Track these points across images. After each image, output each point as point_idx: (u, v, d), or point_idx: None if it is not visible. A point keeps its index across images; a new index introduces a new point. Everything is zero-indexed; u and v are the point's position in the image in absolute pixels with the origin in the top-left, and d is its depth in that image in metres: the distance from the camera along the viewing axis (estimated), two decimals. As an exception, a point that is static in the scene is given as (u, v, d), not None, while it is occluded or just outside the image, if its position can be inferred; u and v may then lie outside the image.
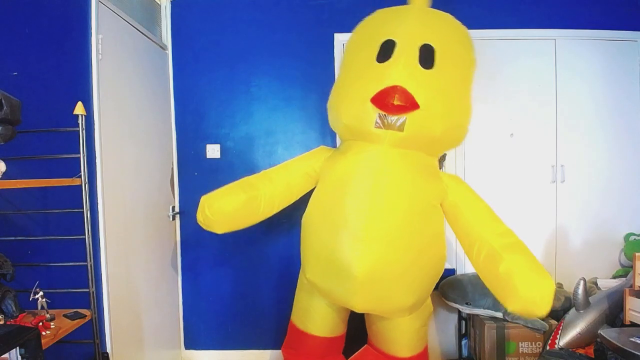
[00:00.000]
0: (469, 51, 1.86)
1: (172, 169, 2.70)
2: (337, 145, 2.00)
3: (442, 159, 2.56)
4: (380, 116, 1.65)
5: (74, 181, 1.54)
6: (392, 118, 1.64)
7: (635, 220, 2.62)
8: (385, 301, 1.81)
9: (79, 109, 1.53)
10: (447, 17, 1.86)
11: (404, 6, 1.87)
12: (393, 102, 1.60)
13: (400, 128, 1.65)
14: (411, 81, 1.63)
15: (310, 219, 1.92)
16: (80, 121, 1.53)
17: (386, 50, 1.70)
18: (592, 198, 2.63)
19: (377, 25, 1.84)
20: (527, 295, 1.55)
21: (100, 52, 1.87)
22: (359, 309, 1.85)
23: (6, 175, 1.26)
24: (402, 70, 1.64)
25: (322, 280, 1.87)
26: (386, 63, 1.68)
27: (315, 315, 2.05)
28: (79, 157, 1.54)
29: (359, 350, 2.18)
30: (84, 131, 1.55)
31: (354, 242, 1.69)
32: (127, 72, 2.16)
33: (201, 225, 1.94)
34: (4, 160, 1.26)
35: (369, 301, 1.80)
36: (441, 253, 1.87)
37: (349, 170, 1.76)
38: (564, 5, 2.61)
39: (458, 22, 1.87)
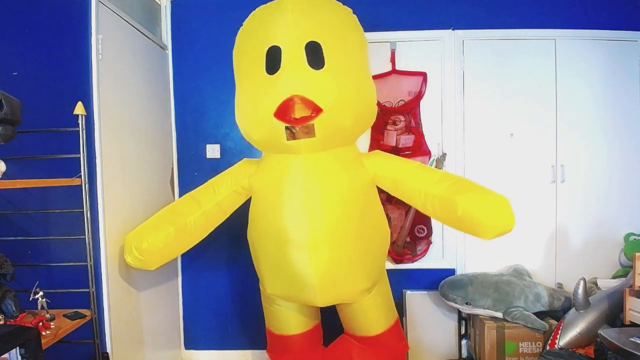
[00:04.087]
0: (355, 32, 1.83)
1: (172, 169, 2.70)
2: (261, 156, 1.99)
3: (442, 159, 2.57)
4: (288, 128, 1.66)
5: (74, 181, 1.54)
6: (301, 127, 1.65)
7: (635, 220, 2.62)
8: (345, 291, 1.91)
9: (79, 109, 1.53)
10: (325, 1, 1.80)
11: (277, 1, 1.78)
12: (294, 115, 1.62)
13: (311, 134, 1.67)
14: (307, 86, 1.62)
15: (254, 236, 1.98)
16: (80, 121, 1.53)
17: (273, 59, 1.66)
18: (592, 198, 2.63)
19: (257, 30, 1.80)
20: (494, 222, 1.67)
21: (100, 52, 1.86)
22: (323, 304, 1.94)
23: (6, 175, 1.26)
24: (295, 79, 1.63)
25: (282, 291, 1.96)
26: (277, 74, 1.65)
27: (285, 318, 2.10)
28: (79, 157, 1.54)
29: (336, 340, 2.23)
30: (84, 131, 1.54)
31: (302, 253, 1.76)
32: (127, 72, 2.16)
33: (132, 265, 1.86)
34: (4, 160, 1.26)
35: (330, 296, 1.89)
36: (384, 229, 2.00)
37: (280, 186, 1.80)
38: (564, 5, 2.61)
39: (338, 4, 1.82)
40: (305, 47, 1.64)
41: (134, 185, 2.19)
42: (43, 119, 1.58)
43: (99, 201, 1.84)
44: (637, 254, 2.02)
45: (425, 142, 2.58)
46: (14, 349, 1.11)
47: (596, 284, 2.45)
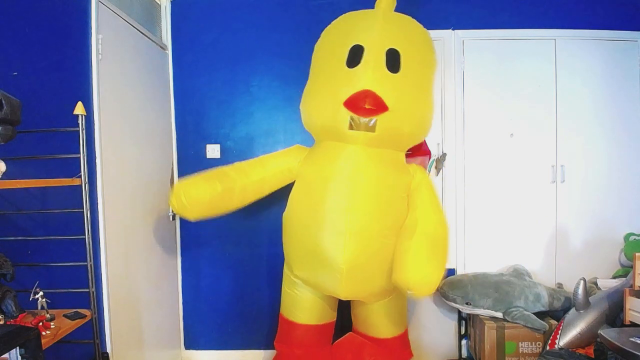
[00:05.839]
0: (430, 53, 2.00)
1: (172, 169, 2.70)
2: (313, 145, 2.09)
3: (442, 159, 2.57)
4: (352, 118, 1.77)
5: (74, 181, 1.54)
6: (364, 120, 1.76)
7: (635, 220, 2.62)
8: (367, 287, 1.97)
9: (79, 109, 1.53)
10: (410, 21, 1.97)
11: (370, 10, 1.94)
12: (365, 105, 1.73)
13: (372, 129, 1.78)
14: (380, 85, 1.75)
15: (292, 217, 2.03)
16: (80, 121, 1.53)
17: (355, 55, 1.80)
18: (592, 198, 2.64)
19: (345, 30, 1.94)
20: (410, 277, 1.73)
21: (100, 52, 1.87)
22: (344, 296, 1.98)
23: (6, 175, 1.26)
24: (372, 75, 1.75)
25: (310, 274, 2.01)
26: (356, 68, 1.78)
27: (303, 305, 2.13)
28: (79, 157, 1.54)
29: (344, 336, 2.24)
30: (84, 131, 1.54)
31: (337, 237, 1.82)
32: (127, 72, 2.16)
33: (174, 210, 2.01)
34: (4, 160, 1.26)
35: (353, 288, 1.94)
36: None
37: (328, 170, 1.88)
38: (564, 5, 2.62)
39: (420, 25, 1.98)
40: (387, 52, 1.78)
41: (134, 185, 2.19)
42: (43, 119, 1.58)
43: (99, 201, 1.84)
44: (637, 254, 2.03)
45: (425, 142, 2.57)
46: (14, 349, 1.11)
47: (596, 284, 2.46)
